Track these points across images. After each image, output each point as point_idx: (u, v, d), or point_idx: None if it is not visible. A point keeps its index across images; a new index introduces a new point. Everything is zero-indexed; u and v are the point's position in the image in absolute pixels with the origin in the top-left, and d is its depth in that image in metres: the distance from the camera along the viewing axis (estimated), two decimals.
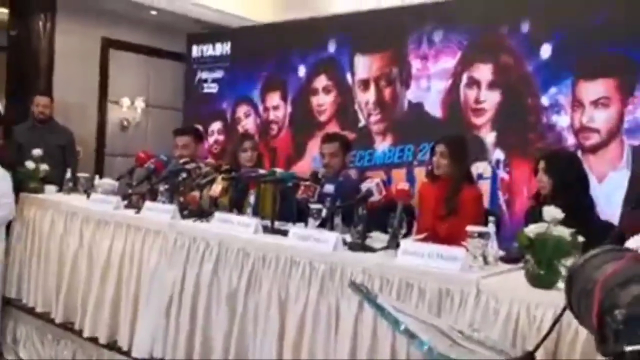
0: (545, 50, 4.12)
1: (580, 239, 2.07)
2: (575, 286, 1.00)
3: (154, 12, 6.03)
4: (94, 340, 3.40)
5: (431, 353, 1.11)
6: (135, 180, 3.78)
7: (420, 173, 4.73)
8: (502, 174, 4.34)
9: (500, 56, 4.36)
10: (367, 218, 2.61)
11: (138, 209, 3.39)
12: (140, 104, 6.66)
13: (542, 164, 2.95)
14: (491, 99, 4.42)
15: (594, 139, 3.96)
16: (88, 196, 3.84)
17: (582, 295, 0.96)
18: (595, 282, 0.93)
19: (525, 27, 4.24)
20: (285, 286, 2.57)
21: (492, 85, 4.41)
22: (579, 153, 3.92)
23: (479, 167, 4.41)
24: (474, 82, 4.51)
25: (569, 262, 2.05)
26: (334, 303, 2.40)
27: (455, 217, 3.16)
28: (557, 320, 1.11)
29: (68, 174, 4.24)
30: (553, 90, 4.11)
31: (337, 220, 2.83)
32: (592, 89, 3.95)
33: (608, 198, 3.67)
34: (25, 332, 3.94)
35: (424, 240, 2.50)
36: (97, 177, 4.33)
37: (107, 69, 6.42)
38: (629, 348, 0.82)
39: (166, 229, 3.12)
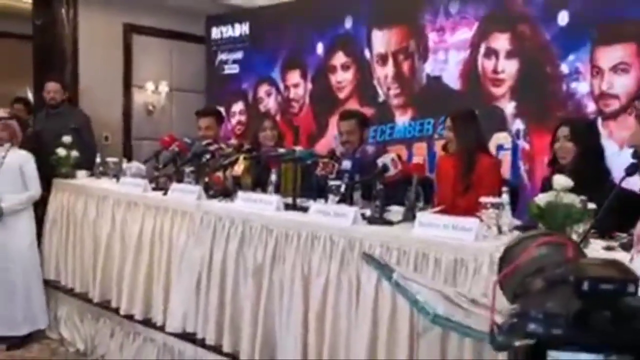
0: (563, 17, 4.09)
1: (592, 205, 2.12)
2: (504, 266, 1.03)
3: None
4: (130, 317, 3.56)
5: (428, 315, 1.18)
6: (161, 163, 3.91)
7: (440, 146, 4.77)
8: (522, 144, 4.35)
9: (517, 25, 4.34)
10: (384, 192, 2.69)
11: (165, 190, 3.52)
12: (164, 87, 6.77)
13: (564, 131, 2.91)
14: (509, 68, 4.41)
15: (614, 105, 3.94)
16: (117, 180, 3.98)
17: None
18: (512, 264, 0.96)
19: None
20: (307, 260, 2.67)
21: (510, 55, 4.40)
22: (599, 120, 3.92)
23: (500, 138, 4.43)
24: (491, 52, 4.50)
25: (581, 228, 2.11)
26: (354, 275, 2.50)
27: (473, 189, 3.19)
28: None
29: (98, 159, 4.39)
30: (571, 57, 4.09)
31: (357, 195, 2.91)
32: (611, 54, 3.92)
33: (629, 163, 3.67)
34: (66, 311, 4.14)
35: (441, 212, 2.57)
36: (125, 161, 4.47)
37: (130, 54, 6.52)
38: (518, 343, 0.81)
39: (193, 209, 3.24)
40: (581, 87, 4.08)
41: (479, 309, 1.29)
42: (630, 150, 3.60)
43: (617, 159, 3.25)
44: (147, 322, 3.48)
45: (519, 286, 0.96)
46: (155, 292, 3.44)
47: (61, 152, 4.37)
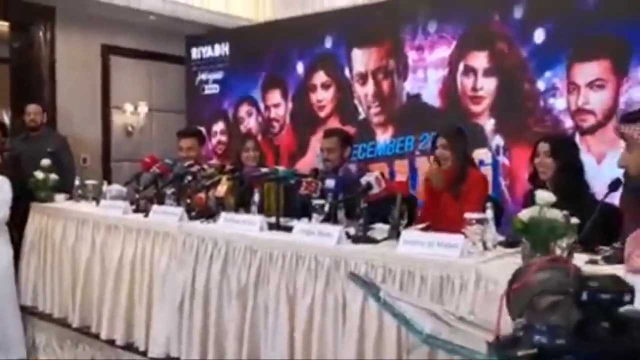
0: (539, 35, 4.17)
1: (574, 220, 2.13)
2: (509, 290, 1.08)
3: (152, 17, 6.11)
4: (111, 342, 3.49)
5: (420, 331, 1.18)
6: (142, 185, 3.86)
7: (422, 163, 4.80)
8: (502, 159, 4.40)
9: (495, 43, 4.41)
10: (368, 210, 2.68)
11: (147, 212, 3.47)
12: (143, 108, 6.74)
13: (544, 147, 2.95)
14: (488, 86, 4.47)
15: (590, 121, 4.01)
16: (97, 203, 3.92)
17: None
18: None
19: (518, 14, 4.28)
20: (292, 281, 2.64)
21: (488, 73, 4.46)
22: (577, 135, 3.98)
23: (480, 154, 4.47)
24: (470, 70, 4.56)
25: (564, 243, 2.12)
26: (340, 295, 2.48)
27: (462, 201, 3.20)
28: None
29: (77, 182, 4.33)
30: (548, 74, 4.16)
31: (340, 214, 2.89)
32: (587, 71, 4.00)
33: (607, 178, 3.71)
34: (45, 338, 4.04)
35: (425, 229, 2.57)
36: (105, 183, 4.41)
37: (108, 75, 6.50)
38: (521, 353, 0.87)
39: (175, 231, 3.20)
40: (558, 103, 4.15)
41: (467, 327, 1.29)
42: (609, 164, 3.66)
43: (595, 173, 3.30)
44: (129, 347, 3.41)
45: (527, 305, 1.00)
46: (137, 317, 3.37)
47: (39, 175, 4.30)
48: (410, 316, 1.24)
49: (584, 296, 0.82)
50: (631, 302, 0.83)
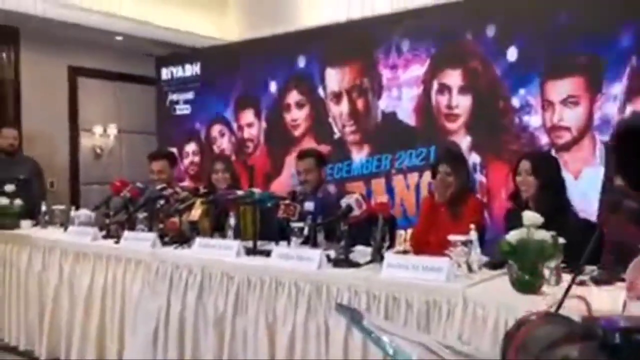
0: (512, 53, 4.18)
1: (561, 240, 2.09)
2: (509, 346, 1.00)
3: (119, 38, 5.99)
4: None
5: None
6: (112, 210, 3.73)
7: (398, 181, 4.76)
8: (479, 177, 4.37)
9: (469, 61, 4.41)
10: (349, 233, 2.61)
11: (117, 238, 3.35)
12: (112, 130, 6.58)
13: (525, 165, 2.94)
14: (463, 103, 4.46)
15: (566, 137, 4.01)
16: (65, 229, 3.78)
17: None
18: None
19: (490, 32, 4.29)
20: (272, 308, 2.55)
21: (462, 90, 4.46)
22: (553, 151, 3.98)
23: None
24: (444, 88, 4.55)
25: (552, 264, 2.08)
26: (322, 322, 2.40)
27: (459, 221, 3.12)
28: None
29: (43, 207, 4.17)
30: (522, 91, 4.17)
31: (320, 237, 2.82)
32: (561, 88, 4.01)
33: (584, 194, 3.73)
34: None
35: (412, 248, 2.51)
36: (73, 208, 4.27)
37: (75, 97, 6.35)
38: None
39: (147, 257, 3.09)
40: (533, 121, 4.15)
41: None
42: (586, 180, 3.66)
43: (572, 189, 3.29)
44: None
45: None
46: (109, 347, 3.25)
47: (3, 201, 4.14)
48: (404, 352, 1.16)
49: (617, 339, 0.74)
50: None
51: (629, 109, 3.75)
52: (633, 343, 0.74)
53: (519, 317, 1.04)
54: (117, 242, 3.32)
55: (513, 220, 2.97)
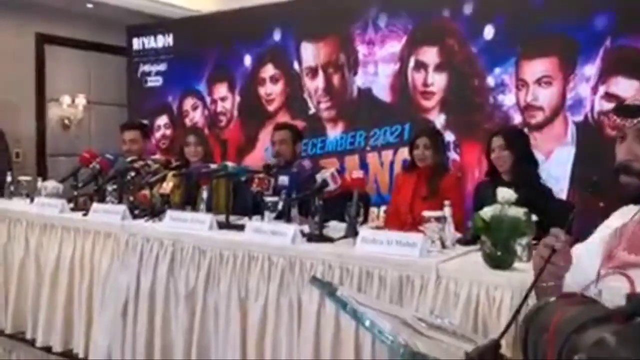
0: (489, 32, 4.18)
1: (534, 217, 2.11)
2: (531, 335, 1.00)
3: (90, 5, 5.81)
4: (48, 349, 3.28)
5: (396, 346, 1.09)
6: (81, 182, 3.64)
7: (372, 158, 4.75)
8: (453, 155, 4.39)
9: (445, 39, 4.39)
10: (323, 208, 2.59)
11: (86, 211, 3.27)
12: (81, 100, 6.43)
13: (499, 141, 3.00)
14: (439, 81, 4.45)
15: (539, 117, 4.05)
16: (31, 200, 3.68)
17: (539, 342, 0.96)
18: (549, 329, 0.93)
19: (467, 10, 4.28)
20: (244, 282, 2.53)
21: (439, 68, 4.45)
22: (526, 130, 4.01)
23: None
24: (421, 65, 4.53)
25: (524, 241, 2.09)
26: (295, 297, 2.38)
27: (435, 198, 3.12)
28: (517, 312, 1.11)
29: (9, 178, 4.06)
30: (498, 70, 4.18)
31: (294, 212, 2.80)
32: (535, 68, 4.03)
33: (555, 173, 3.79)
34: None
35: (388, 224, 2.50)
36: (39, 179, 4.16)
37: (43, 65, 6.17)
38: None
39: (117, 230, 3.02)
40: (507, 100, 4.17)
41: (442, 336, 1.21)
42: (557, 160, 3.71)
43: (543, 168, 3.33)
44: (68, 355, 3.21)
45: (565, 344, 0.90)
46: (76, 322, 3.18)
47: None
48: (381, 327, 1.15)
49: None
50: None
51: (601, 90, 3.79)
52: None
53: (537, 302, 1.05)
54: (85, 215, 3.24)
55: (483, 191, 3.02)
